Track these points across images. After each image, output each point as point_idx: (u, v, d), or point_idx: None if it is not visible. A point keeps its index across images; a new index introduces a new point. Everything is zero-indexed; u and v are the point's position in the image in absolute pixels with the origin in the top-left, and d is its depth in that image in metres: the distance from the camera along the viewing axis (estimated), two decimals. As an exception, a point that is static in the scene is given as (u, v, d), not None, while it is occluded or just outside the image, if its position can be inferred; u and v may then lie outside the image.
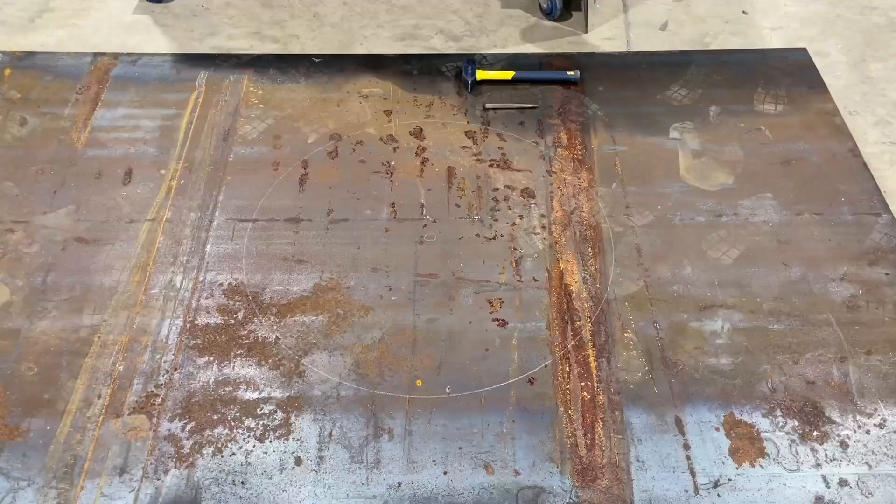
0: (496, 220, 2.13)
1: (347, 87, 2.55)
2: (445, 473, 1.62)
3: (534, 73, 2.59)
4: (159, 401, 1.73)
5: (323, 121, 2.42)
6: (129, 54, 2.63)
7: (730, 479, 1.61)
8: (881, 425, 1.70)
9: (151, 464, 1.63)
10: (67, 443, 1.66)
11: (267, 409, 1.72)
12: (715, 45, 2.77)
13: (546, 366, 1.80)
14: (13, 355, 1.81)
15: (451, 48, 2.76)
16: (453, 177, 2.25)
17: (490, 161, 2.29)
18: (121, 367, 1.79)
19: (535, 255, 2.04)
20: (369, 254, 2.04)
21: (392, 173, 2.26)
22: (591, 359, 1.82)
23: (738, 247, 2.07)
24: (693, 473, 1.62)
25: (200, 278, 1.97)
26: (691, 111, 2.46)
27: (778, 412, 1.72)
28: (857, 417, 1.71)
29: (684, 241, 2.08)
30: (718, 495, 1.59)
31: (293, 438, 1.67)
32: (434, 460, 1.64)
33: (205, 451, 1.65)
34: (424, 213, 2.15)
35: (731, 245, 2.07)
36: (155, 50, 2.67)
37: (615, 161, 2.30)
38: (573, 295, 1.95)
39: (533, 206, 2.17)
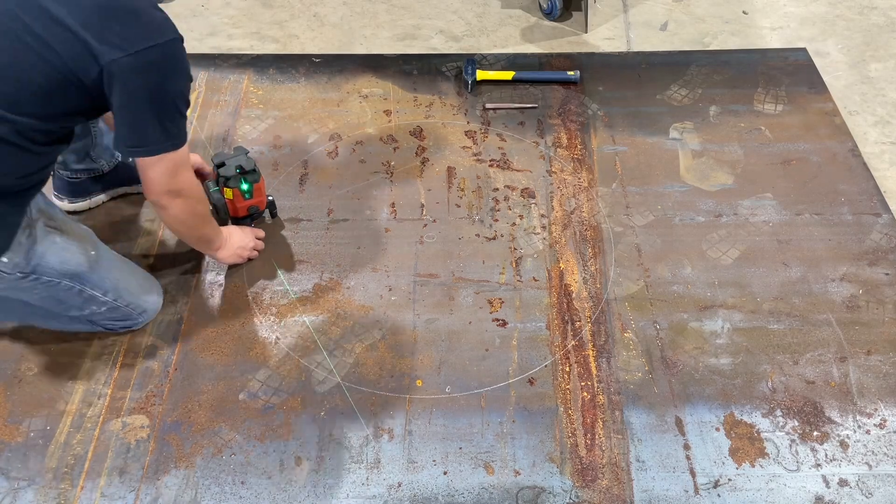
0: (496, 220, 2.13)
1: (347, 87, 2.55)
2: (445, 473, 1.62)
3: (534, 73, 2.59)
4: (159, 401, 1.73)
5: (323, 121, 2.42)
6: (129, 54, 2.62)
7: (730, 479, 1.61)
8: (881, 425, 1.70)
9: (151, 464, 1.63)
10: (67, 443, 1.66)
11: (267, 409, 1.72)
12: (715, 45, 2.77)
13: (546, 366, 1.80)
14: (13, 355, 1.81)
15: (451, 48, 2.76)
16: (453, 177, 2.25)
17: (490, 161, 2.29)
18: (121, 367, 1.79)
19: (535, 255, 2.04)
20: (369, 254, 2.04)
21: (392, 173, 2.26)
22: (591, 359, 1.82)
23: (738, 247, 2.07)
24: (693, 473, 1.62)
25: (200, 278, 1.97)
26: (691, 111, 2.46)
27: (778, 412, 1.72)
28: (857, 417, 1.71)
29: (684, 241, 2.08)
30: (718, 495, 1.59)
31: (293, 438, 1.67)
32: (434, 460, 1.64)
33: (205, 451, 1.65)
34: (424, 213, 2.15)
35: (731, 245, 2.07)
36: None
37: (615, 161, 2.30)
38: (573, 295, 1.95)
39: (533, 205, 2.17)
